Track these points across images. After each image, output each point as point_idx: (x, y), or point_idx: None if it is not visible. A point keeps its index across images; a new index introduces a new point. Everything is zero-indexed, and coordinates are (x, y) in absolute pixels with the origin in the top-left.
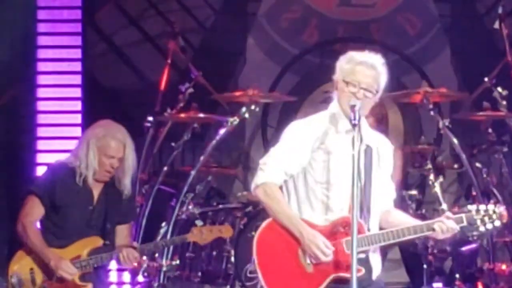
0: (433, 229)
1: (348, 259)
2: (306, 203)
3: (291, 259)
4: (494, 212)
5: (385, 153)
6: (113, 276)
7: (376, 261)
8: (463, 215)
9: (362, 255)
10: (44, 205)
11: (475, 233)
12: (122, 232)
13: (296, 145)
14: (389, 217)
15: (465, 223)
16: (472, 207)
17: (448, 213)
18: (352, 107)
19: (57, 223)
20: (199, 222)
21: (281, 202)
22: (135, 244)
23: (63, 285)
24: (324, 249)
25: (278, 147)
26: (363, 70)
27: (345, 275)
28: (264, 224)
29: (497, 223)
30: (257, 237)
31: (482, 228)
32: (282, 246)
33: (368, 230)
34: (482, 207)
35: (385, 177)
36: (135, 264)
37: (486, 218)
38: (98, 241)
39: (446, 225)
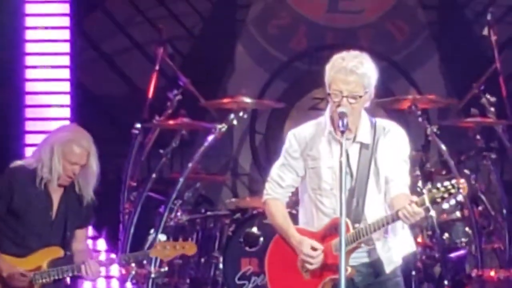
0: (399, 217)
1: (336, 260)
2: (307, 209)
3: (293, 269)
4: (453, 186)
5: (390, 140)
6: (101, 283)
7: (387, 253)
8: (424, 196)
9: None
10: None
11: (444, 207)
12: (79, 235)
13: (288, 156)
14: (395, 204)
15: (427, 204)
16: (433, 187)
17: (413, 197)
18: (341, 114)
19: (16, 229)
20: (162, 237)
21: (275, 217)
22: (94, 256)
23: None
24: (310, 253)
25: (277, 160)
26: (343, 78)
27: (335, 277)
28: (273, 239)
29: (459, 197)
30: (268, 252)
31: (445, 206)
32: (286, 258)
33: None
34: (440, 184)
35: (392, 163)
36: (99, 276)
37: (446, 195)
38: (58, 252)
39: (407, 210)
